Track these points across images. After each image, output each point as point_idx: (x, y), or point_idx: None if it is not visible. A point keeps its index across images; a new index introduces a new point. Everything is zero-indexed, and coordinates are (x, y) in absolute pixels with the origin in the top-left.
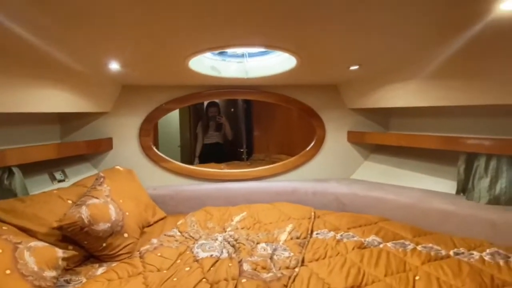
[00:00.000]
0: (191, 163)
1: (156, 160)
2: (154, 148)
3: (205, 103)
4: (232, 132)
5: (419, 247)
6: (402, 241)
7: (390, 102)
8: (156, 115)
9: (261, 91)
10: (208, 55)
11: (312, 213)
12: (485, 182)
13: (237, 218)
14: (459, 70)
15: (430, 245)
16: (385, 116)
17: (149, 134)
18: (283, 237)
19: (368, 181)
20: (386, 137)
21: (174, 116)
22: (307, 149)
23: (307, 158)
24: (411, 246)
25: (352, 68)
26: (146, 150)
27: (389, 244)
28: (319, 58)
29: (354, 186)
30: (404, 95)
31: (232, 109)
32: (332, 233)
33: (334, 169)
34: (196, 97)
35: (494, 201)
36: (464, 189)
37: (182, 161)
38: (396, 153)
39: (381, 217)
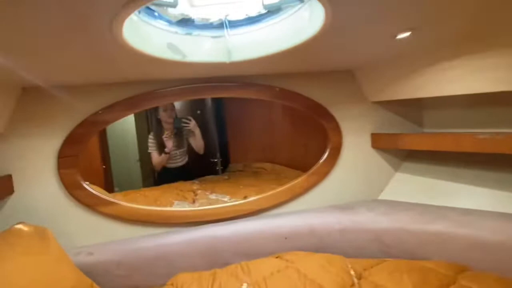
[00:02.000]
0: (155, 183)
1: (90, 204)
2: (87, 185)
3: None
4: (204, 143)
5: None
6: None
7: (438, 88)
8: (83, 132)
9: (248, 84)
10: (161, 25)
11: (351, 271)
12: None
13: None
14: None
15: None
16: (418, 109)
17: (75, 163)
18: None
19: (408, 203)
20: (428, 139)
21: (129, 122)
22: (319, 163)
23: (320, 176)
24: None
25: (401, 36)
26: (71, 190)
27: None
28: (361, 15)
29: (395, 215)
30: (459, 78)
31: (199, 111)
32: None
33: (357, 187)
34: (146, 100)
35: None
36: None
37: (144, 182)
38: (440, 159)
39: (455, 266)
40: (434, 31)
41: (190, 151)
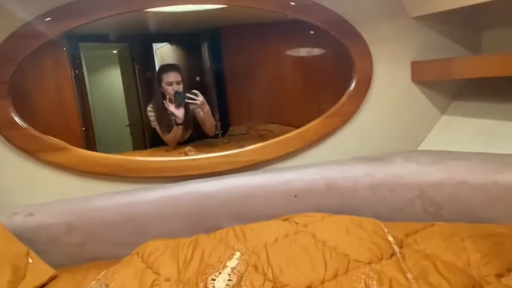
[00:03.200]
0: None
1: (31, 149)
2: (22, 122)
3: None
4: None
5: None
6: None
7: None
8: (13, 48)
9: None
10: None
11: (389, 237)
12: None
13: (225, 275)
14: None
15: None
16: (475, 29)
17: (5, 93)
18: None
19: (461, 153)
20: (497, 62)
21: (116, 79)
22: (341, 101)
23: (342, 118)
24: None
25: None
26: (3, 129)
27: None
28: None
29: (446, 164)
30: None
31: (198, 78)
32: None
33: (391, 134)
34: (93, 5)
35: None
36: None
37: (135, 149)
38: (504, 93)
39: None
40: None
41: (195, 124)
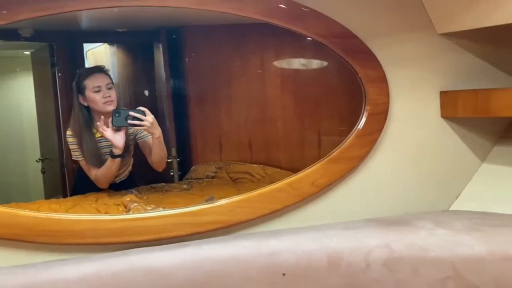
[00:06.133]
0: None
1: None
2: None
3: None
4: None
5: None
6: None
7: None
8: None
9: None
10: None
11: None
12: None
13: None
14: None
15: None
16: None
17: None
18: None
19: (509, 215)
20: None
21: (26, 92)
22: (346, 142)
23: (348, 165)
24: None
25: None
26: None
27: None
28: None
29: (490, 233)
30: None
31: (147, 91)
32: None
33: (414, 188)
34: None
35: None
36: None
37: (48, 192)
38: None
39: None
40: None
41: (138, 159)
